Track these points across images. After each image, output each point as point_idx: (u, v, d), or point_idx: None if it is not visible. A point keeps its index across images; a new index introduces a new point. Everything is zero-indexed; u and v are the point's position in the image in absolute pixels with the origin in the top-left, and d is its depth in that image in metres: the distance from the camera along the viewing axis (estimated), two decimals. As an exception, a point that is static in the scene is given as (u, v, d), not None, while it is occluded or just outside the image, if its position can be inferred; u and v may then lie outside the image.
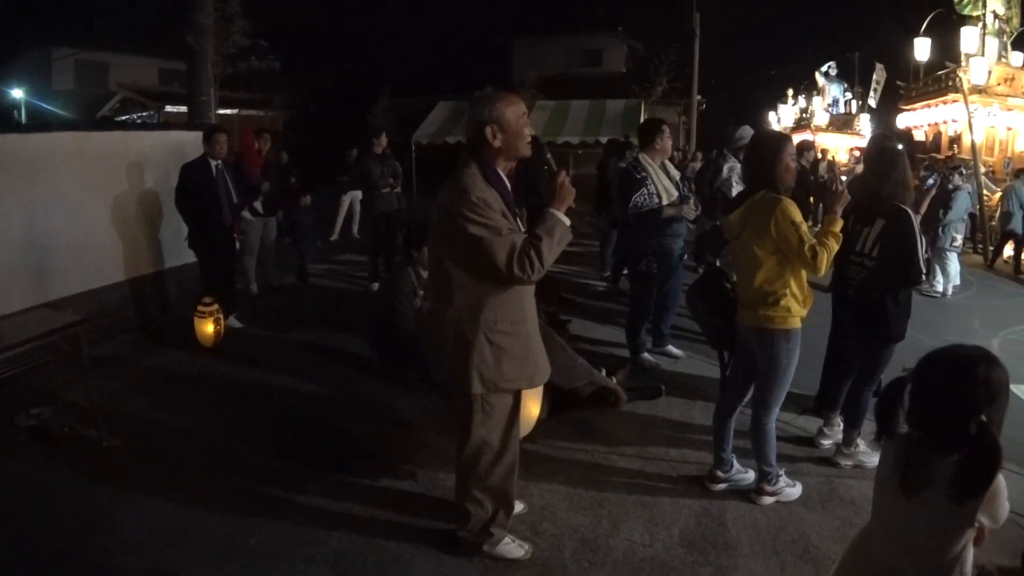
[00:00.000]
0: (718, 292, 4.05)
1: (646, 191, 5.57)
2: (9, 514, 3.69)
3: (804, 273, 3.59)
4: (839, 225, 3.58)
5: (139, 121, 19.01)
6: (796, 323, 3.62)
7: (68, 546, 3.42)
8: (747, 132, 7.08)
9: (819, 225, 3.77)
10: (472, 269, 2.93)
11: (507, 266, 2.82)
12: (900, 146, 4.97)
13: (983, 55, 16.83)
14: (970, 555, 1.93)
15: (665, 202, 5.61)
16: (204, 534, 3.49)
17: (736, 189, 6.72)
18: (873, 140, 5.11)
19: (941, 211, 9.45)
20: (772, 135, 3.95)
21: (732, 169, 7.02)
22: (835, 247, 3.55)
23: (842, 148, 28.69)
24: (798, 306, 3.60)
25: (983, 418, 1.80)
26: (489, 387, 3.03)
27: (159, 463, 4.23)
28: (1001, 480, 1.85)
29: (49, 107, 22.53)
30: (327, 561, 3.29)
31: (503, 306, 3.00)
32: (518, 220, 3.05)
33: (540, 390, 4.27)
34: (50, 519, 3.65)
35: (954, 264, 9.60)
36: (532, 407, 4.18)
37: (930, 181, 9.74)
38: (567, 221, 2.99)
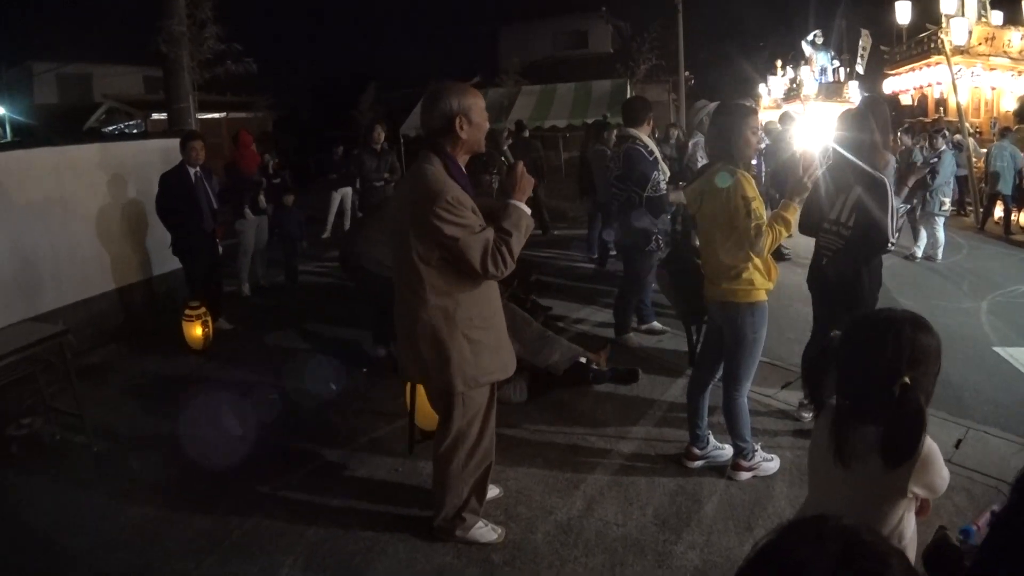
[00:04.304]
0: (686, 267, 4.07)
1: (659, 174, 5.57)
2: (1, 520, 3.80)
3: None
4: (794, 212, 3.55)
5: (126, 131, 19.01)
6: (761, 296, 3.61)
7: (56, 547, 3.51)
8: (702, 105, 7.12)
9: None
10: (446, 269, 2.93)
11: (482, 264, 2.84)
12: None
13: (963, 15, 16.73)
14: (911, 527, 1.89)
15: (664, 179, 5.64)
16: (186, 531, 3.58)
17: (702, 163, 6.73)
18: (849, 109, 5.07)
19: (928, 176, 9.42)
20: (735, 107, 3.82)
21: (697, 144, 7.05)
22: (784, 234, 3.51)
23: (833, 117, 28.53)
24: (762, 279, 3.58)
25: (907, 380, 1.74)
26: (471, 384, 3.07)
27: (145, 465, 4.32)
28: (934, 448, 1.82)
29: (32, 122, 22.61)
30: (304, 551, 3.37)
31: (477, 302, 3.03)
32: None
33: None
34: (40, 523, 3.74)
35: (941, 228, 9.60)
36: None
37: (919, 158, 9.73)
38: (528, 210, 3.02)
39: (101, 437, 4.62)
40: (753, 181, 3.56)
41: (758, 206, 3.44)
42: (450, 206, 2.81)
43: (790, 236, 3.67)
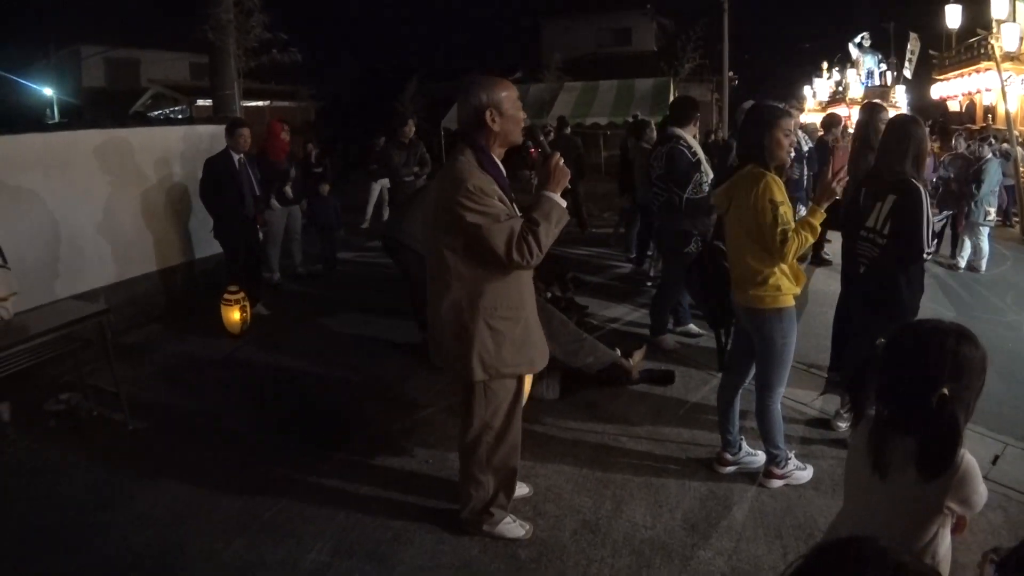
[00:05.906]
0: (713, 271, 4.01)
1: (701, 175, 5.53)
2: (37, 492, 3.89)
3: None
4: (820, 218, 3.48)
5: (171, 116, 19.34)
6: (788, 301, 3.55)
7: (89, 521, 3.59)
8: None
9: None
10: (470, 257, 2.93)
11: (506, 253, 2.83)
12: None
13: (1014, 21, 16.24)
14: (944, 544, 1.85)
15: (706, 181, 5.60)
16: (217, 510, 3.64)
17: None
18: (893, 117, 4.98)
19: (973, 185, 9.22)
20: (767, 108, 3.73)
21: None
22: (810, 240, 3.45)
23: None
24: (789, 283, 3.52)
25: (945, 392, 1.71)
26: (491, 373, 3.06)
27: (179, 444, 4.40)
28: (973, 463, 1.77)
29: (80, 104, 23.13)
30: (332, 536, 3.41)
31: (502, 292, 3.01)
32: (514, 205, 3.05)
33: None
34: (74, 497, 3.82)
35: (986, 239, 9.38)
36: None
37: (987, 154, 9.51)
38: (563, 203, 2.99)
39: (137, 415, 4.70)
40: (782, 184, 3.48)
41: (785, 211, 3.37)
42: (471, 194, 2.82)
43: (829, 242, 3.61)
